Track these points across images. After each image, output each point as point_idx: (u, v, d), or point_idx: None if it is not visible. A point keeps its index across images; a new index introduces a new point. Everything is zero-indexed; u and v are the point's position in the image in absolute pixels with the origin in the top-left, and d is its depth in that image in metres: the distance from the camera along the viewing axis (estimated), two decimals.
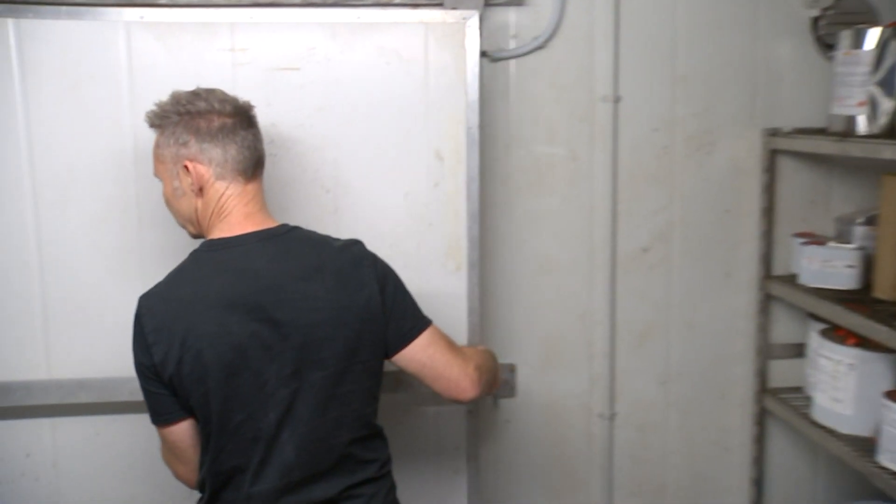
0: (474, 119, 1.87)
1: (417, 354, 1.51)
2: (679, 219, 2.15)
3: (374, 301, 1.46)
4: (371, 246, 1.51)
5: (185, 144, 1.42)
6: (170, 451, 1.52)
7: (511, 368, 2.14)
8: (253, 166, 1.47)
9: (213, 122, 1.42)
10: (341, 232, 1.57)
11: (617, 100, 2.07)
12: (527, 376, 2.16)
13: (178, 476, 1.56)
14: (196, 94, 1.45)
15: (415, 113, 1.87)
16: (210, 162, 1.42)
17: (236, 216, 1.45)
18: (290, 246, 1.48)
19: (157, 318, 1.40)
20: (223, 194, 1.45)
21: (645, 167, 2.12)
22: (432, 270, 1.92)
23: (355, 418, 1.51)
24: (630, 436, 2.23)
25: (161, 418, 1.47)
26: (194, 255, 1.46)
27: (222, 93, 1.47)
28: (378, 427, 1.55)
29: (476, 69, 1.86)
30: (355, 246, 1.51)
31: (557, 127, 2.08)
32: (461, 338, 1.92)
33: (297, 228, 1.50)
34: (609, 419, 2.20)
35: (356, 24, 1.83)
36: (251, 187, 1.47)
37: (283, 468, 1.45)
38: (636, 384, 2.21)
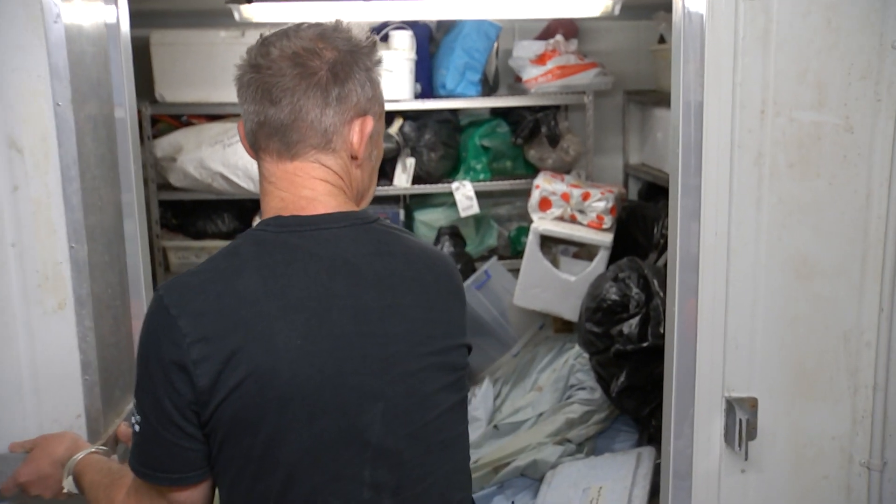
0: (65, 92, 1.34)
1: None
2: None
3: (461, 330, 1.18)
4: None
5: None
6: None
7: (752, 404, 1.64)
8: None
9: None
10: None
11: None
12: (771, 412, 1.66)
13: None
14: None
15: None
16: None
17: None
18: (388, 239, 1.13)
19: (204, 323, 1.00)
20: None
21: None
22: (22, 311, 1.39)
23: (462, 473, 1.18)
24: None
25: (174, 478, 1.04)
26: (252, 237, 1.08)
27: None
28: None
29: (57, 18, 1.30)
30: (446, 258, 1.21)
31: (830, 86, 1.55)
32: (76, 409, 1.42)
33: (379, 218, 1.15)
34: (877, 470, 1.69)
35: None
36: None
37: None
38: None
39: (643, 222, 3.44)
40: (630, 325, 2.46)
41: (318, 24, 1.12)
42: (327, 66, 1.08)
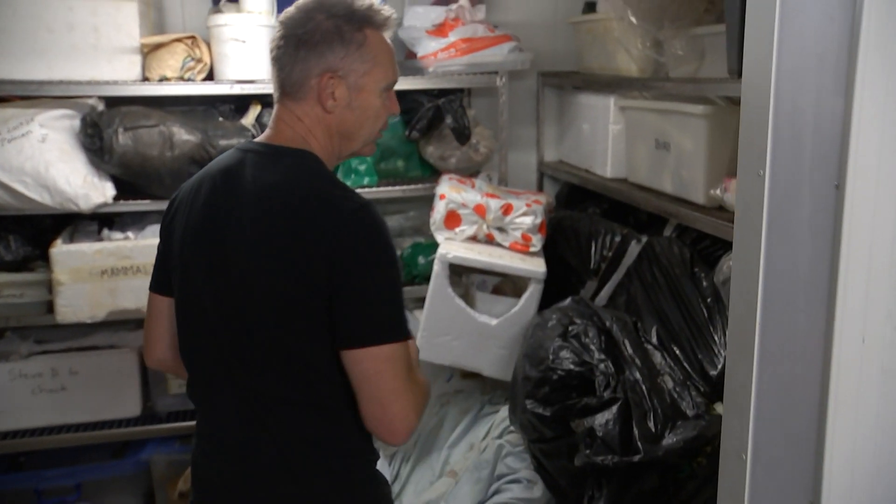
0: None
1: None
2: None
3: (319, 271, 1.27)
4: None
5: None
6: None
7: None
8: None
9: None
10: None
11: None
12: None
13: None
14: None
15: None
16: None
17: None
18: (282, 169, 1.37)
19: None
20: None
21: None
22: None
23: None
24: None
25: None
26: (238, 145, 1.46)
27: None
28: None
29: None
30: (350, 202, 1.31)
31: None
32: None
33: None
34: None
35: None
36: None
37: None
38: None
39: (575, 238, 2.71)
40: (605, 422, 1.68)
41: None
42: None
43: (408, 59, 2.93)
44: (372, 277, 1.26)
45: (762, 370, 0.90)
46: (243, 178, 1.35)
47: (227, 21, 2.58)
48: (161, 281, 1.48)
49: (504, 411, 2.35)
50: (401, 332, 1.28)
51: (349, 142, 1.43)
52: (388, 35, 1.45)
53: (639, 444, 1.62)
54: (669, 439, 1.61)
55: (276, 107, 1.43)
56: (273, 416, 1.32)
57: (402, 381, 1.26)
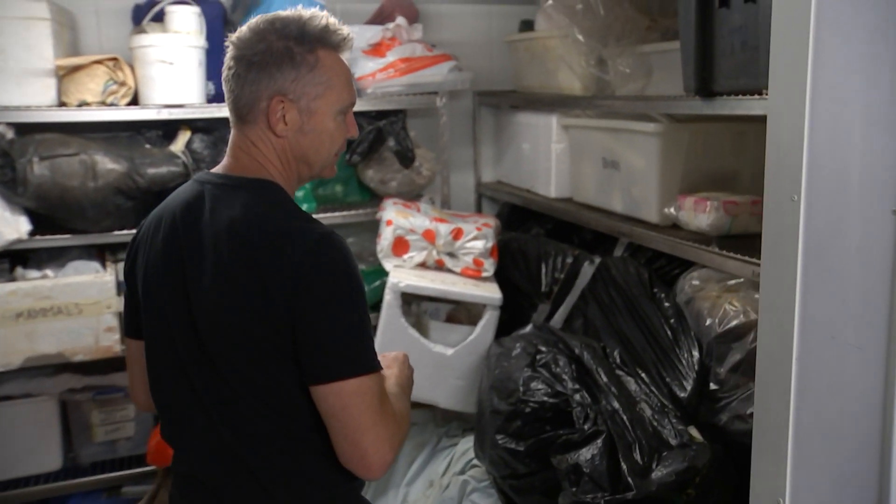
0: None
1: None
2: None
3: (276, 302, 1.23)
4: None
5: None
6: None
7: None
8: None
9: None
10: None
11: None
12: None
13: None
14: None
15: None
16: None
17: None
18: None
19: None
20: None
21: None
22: None
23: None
24: None
25: None
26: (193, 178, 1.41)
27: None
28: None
29: None
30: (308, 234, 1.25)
31: None
32: None
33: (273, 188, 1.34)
34: None
35: None
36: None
37: None
38: None
39: (523, 261, 2.65)
40: (591, 457, 1.60)
41: None
42: None
43: None
44: (332, 310, 1.21)
45: (800, 409, 0.84)
46: (202, 213, 1.29)
47: (152, 42, 2.41)
48: (133, 324, 1.44)
49: (463, 444, 2.25)
50: (366, 365, 1.22)
51: (306, 166, 1.38)
52: (345, 56, 1.39)
53: (629, 479, 1.54)
54: (659, 472, 1.54)
55: (232, 132, 1.37)
56: (253, 452, 1.28)
57: (372, 415, 1.20)
